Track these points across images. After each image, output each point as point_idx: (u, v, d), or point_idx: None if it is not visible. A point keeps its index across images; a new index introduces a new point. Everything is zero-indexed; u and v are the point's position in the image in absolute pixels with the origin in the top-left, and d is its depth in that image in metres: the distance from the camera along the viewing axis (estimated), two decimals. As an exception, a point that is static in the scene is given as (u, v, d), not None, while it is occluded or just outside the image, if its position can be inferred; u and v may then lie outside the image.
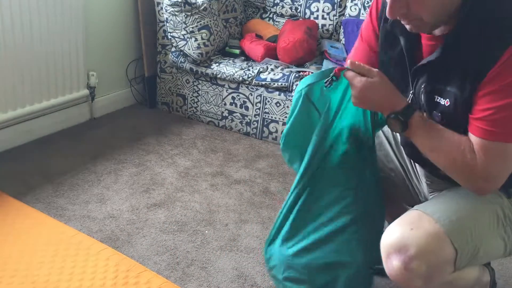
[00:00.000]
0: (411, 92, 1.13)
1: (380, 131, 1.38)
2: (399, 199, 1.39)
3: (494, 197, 1.10)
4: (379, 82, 1.07)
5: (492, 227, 1.07)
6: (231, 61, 2.66)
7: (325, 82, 1.18)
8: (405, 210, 1.14)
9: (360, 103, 1.11)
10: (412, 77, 1.11)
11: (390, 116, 1.06)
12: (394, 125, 1.06)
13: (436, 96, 1.07)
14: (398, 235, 1.01)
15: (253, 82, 2.53)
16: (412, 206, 1.13)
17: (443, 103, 1.05)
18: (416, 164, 1.30)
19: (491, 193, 1.04)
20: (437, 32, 1.05)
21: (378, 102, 1.08)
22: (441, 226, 1.00)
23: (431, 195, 1.26)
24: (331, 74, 1.17)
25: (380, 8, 1.19)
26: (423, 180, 1.29)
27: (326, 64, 2.54)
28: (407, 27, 1.04)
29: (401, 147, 1.33)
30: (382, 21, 1.17)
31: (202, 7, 2.61)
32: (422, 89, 1.09)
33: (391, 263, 1.01)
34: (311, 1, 2.84)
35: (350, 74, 1.10)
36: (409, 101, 1.13)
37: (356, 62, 1.11)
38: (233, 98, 2.64)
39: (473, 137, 1.00)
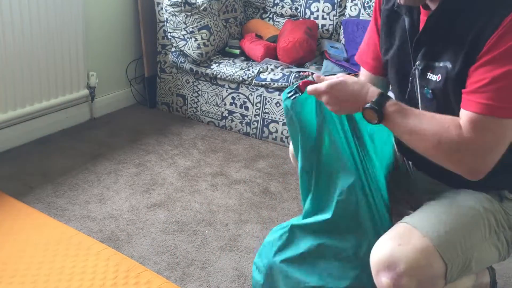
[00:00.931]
0: (412, 70, 1.11)
1: None
2: (397, 202, 1.39)
3: (486, 204, 1.07)
4: (344, 80, 1.06)
5: (484, 236, 1.04)
6: (231, 61, 2.66)
7: (288, 93, 1.19)
8: (402, 212, 1.12)
9: (336, 107, 1.08)
10: (413, 58, 1.10)
11: (364, 108, 1.03)
12: (370, 115, 1.02)
13: (429, 73, 1.05)
14: (386, 251, 0.98)
15: (253, 82, 2.53)
16: (409, 208, 1.12)
17: (434, 79, 1.03)
18: (411, 164, 1.29)
19: (483, 174, 0.96)
20: (431, 5, 1.04)
21: (351, 99, 1.06)
22: (430, 241, 0.97)
23: (424, 196, 1.26)
24: (294, 87, 1.18)
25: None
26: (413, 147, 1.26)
27: (326, 64, 2.54)
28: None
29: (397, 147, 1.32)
30: (383, 9, 1.17)
31: (202, 7, 2.61)
32: (417, 66, 1.07)
33: (381, 280, 0.99)
34: (311, 1, 2.84)
35: (310, 87, 1.10)
36: (409, 87, 1.12)
37: (321, 76, 1.12)
38: (233, 98, 2.64)
39: (463, 113, 0.96)
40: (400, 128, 1.01)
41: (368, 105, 1.02)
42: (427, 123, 0.97)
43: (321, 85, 1.07)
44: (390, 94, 1.23)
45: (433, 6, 1.03)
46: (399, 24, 1.14)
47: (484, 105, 0.92)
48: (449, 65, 1.00)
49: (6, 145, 2.26)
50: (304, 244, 1.26)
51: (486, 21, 0.93)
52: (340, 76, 1.07)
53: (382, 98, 1.02)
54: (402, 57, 1.13)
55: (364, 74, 1.30)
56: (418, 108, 1.09)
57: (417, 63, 1.08)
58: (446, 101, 1.03)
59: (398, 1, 1.04)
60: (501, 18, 0.91)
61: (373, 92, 1.04)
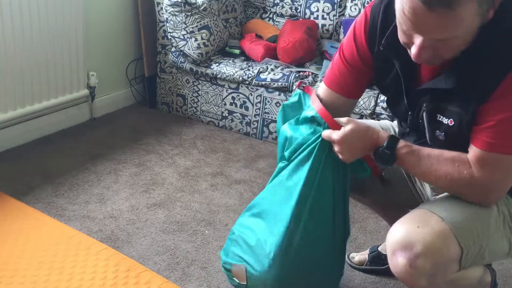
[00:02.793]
0: (409, 113, 1.14)
1: None
2: (403, 204, 1.39)
3: None
4: (354, 127, 1.10)
5: (498, 227, 1.07)
6: (231, 61, 2.66)
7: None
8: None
9: (346, 155, 1.12)
10: (412, 98, 1.11)
11: (376, 152, 1.08)
12: (383, 159, 1.08)
13: (439, 115, 1.07)
14: (404, 232, 1.01)
15: (253, 82, 2.53)
16: None
17: (446, 123, 1.05)
18: None
19: (495, 204, 1.06)
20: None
21: (361, 146, 1.11)
22: (448, 225, 0.99)
23: (434, 197, 1.26)
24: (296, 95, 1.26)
25: (369, 28, 1.14)
26: (426, 183, 1.28)
27: (326, 64, 2.54)
28: (414, 57, 0.97)
29: None
30: (376, 45, 1.14)
31: (202, 7, 2.61)
32: (424, 107, 1.09)
33: (396, 260, 1.00)
34: (311, 1, 2.84)
35: (325, 133, 1.14)
36: (408, 122, 1.16)
37: (327, 114, 1.15)
38: (233, 98, 2.64)
39: (472, 149, 1.01)
40: (414, 169, 1.08)
41: (380, 149, 1.07)
42: (437, 163, 1.04)
43: (337, 134, 1.11)
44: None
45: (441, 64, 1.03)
46: (391, 65, 1.14)
47: (491, 144, 0.98)
48: (461, 111, 1.02)
49: (6, 145, 2.26)
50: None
51: (496, 70, 0.97)
52: (349, 122, 1.11)
53: (393, 140, 1.07)
54: (398, 94, 1.15)
55: (335, 96, 1.25)
56: (425, 138, 1.13)
57: (424, 105, 1.09)
58: (458, 142, 1.06)
59: (412, 56, 0.98)
60: (508, 69, 0.95)
61: (383, 135, 1.08)
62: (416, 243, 0.97)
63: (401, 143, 1.07)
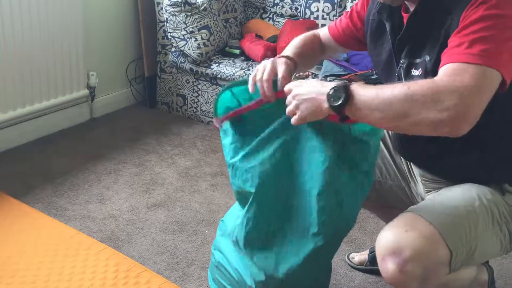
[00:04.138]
0: (397, 74, 1.15)
1: None
2: (397, 204, 1.39)
3: (488, 195, 1.09)
4: (302, 81, 1.08)
5: (487, 226, 1.06)
6: (231, 61, 2.66)
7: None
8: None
9: (302, 106, 1.05)
10: (397, 60, 1.14)
11: (329, 92, 0.99)
12: (335, 96, 0.98)
13: (412, 70, 1.08)
14: (392, 237, 1.00)
15: (253, 82, 2.52)
16: None
17: (416, 74, 1.06)
18: (412, 164, 1.30)
19: (467, 124, 0.89)
20: (411, 7, 1.08)
21: (314, 90, 1.03)
22: (436, 228, 0.99)
23: (427, 195, 1.26)
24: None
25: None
26: (419, 179, 1.29)
27: (326, 64, 2.54)
28: None
29: (396, 150, 1.33)
30: (371, 13, 1.22)
31: (202, 7, 2.61)
32: (401, 64, 1.11)
33: (386, 266, 1.00)
34: (311, 1, 2.84)
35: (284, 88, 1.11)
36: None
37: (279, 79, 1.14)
38: (233, 98, 2.64)
39: (438, 72, 0.95)
40: (367, 102, 0.95)
41: (332, 90, 0.99)
42: (394, 86, 0.94)
43: (288, 86, 1.09)
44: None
45: (412, 8, 1.08)
46: (385, 32, 1.18)
47: (456, 55, 0.92)
48: (427, 58, 1.03)
49: (6, 145, 2.26)
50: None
51: (457, 13, 0.97)
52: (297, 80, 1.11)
53: (345, 83, 1.00)
54: (388, 59, 1.17)
55: (326, 36, 1.41)
56: None
57: (401, 61, 1.11)
58: None
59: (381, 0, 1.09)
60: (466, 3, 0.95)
61: (334, 82, 1.02)
62: (405, 248, 0.97)
63: (354, 83, 1.01)
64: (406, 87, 0.91)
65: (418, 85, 0.91)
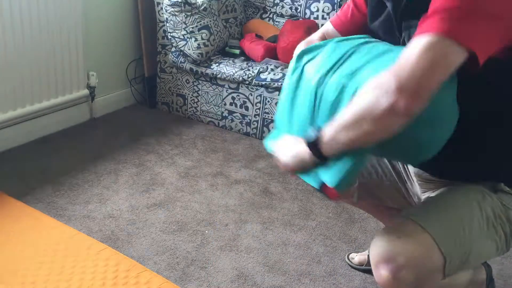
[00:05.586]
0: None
1: None
2: (394, 204, 1.39)
3: (482, 197, 1.08)
4: (280, 142, 1.10)
5: (482, 230, 1.05)
6: (231, 61, 2.66)
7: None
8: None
9: (287, 163, 1.08)
10: (399, 32, 1.09)
11: (308, 141, 1.01)
12: (313, 151, 0.99)
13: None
14: (386, 244, 1.00)
15: (253, 82, 2.53)
16: None
17: None
18: (407, 164, 1.30)
19: (418, 103, 0.85)
20: None
21: (292, 149, 1.06)
22: (429, 234, 0.98)
23: (423, 195, 1.26)
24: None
25: None
26: (415, 179, 1.28)
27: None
28: None
29: None
30: None
31: (202, 7, 2.61)
32: (404, 39, 1.06)
33: (380, 273, 0.99)
34: (311, 1, 2.84)
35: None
36: None
37: None
38: (233, 98, 2.64)
39: None
40: (339, 129, 0.94)
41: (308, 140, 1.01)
42: (355, 102, 0.92)
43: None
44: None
45: None
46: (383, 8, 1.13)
47: (419, 28, 0.87)
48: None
49: (6, 145, 2.26)
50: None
51: None
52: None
53: (312, 132, 1.01)
54: (389, 29, 1.12)
55: (331, 32, 1.31)
56: None
57: (403, 34, 1.07)
58: None
59: None
60: None
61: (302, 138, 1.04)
62: (398, 255, 0.96)
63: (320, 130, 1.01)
64: (368, 87, 0.89)
65: (379, 79, 0.88)
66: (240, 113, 2.65)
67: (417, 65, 0.83)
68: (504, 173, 1.11)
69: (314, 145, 0.99)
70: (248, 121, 2.63)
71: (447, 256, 0.98)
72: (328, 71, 1.05)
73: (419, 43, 0.85)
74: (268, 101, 2.54)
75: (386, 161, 1.35)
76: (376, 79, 0.89)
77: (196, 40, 2.61)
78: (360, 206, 1.56)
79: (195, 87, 2.75)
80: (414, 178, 1.28)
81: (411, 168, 1.29)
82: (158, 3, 2.70)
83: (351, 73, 1.00)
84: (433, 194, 1.16)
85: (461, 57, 0.84)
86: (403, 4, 1.05)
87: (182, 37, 2.63)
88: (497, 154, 1.10)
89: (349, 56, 1.06)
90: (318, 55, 1.13)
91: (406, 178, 1.32)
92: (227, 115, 2.69)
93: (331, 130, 0.96)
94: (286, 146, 1.09)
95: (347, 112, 0.93)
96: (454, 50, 0.83)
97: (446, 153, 1.07)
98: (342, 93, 0.99)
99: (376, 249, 1.01)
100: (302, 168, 1.06)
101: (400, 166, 1.33)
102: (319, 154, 0.99)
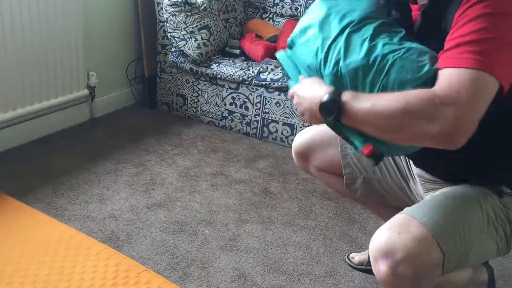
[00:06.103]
0: None
1: None
2: (397, 203, 1.39)
3: (484, 197, 1.09)
4: (303, 83, 1.08)
5: (483, 229, 1.06)
6: (231, 61, 2.66)
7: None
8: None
9: (300, 107, 1.08)
10: None
11: (322, 101, 0.99)
12: (327, 112, 0.98)
13: None
14: (385, 239, 1.00)
15: (253, 82, 2.53)
16: None
17: None
18: (411, 163, 1.30)
19: (464, 136, 0.88)
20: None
21: (306, 99, 1.05)
22: (429, 230, 0.99)
23: (426, 195, 1.26)
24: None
25: None
26: (417, 179, 1.29)
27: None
28: None
29: None
30: None
31: (202, 7, 2.61)
32: None
33: (379, 268, 1.00)
34: (311, 1, 2.84)
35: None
36: None
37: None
38: (233, 98, 2.64)
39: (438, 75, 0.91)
40: (361, 116, 0.94)
41: (323, 103, 1.00)
42: (391, 97, 0.92)
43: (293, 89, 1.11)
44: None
45: (423, 0, 1.04)
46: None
47: (451, 60, 0.89)
48: (435, 53, 0.99)
49: (6, 145, 2.26)
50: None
51: (454, 7, 0.94)
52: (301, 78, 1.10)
53: (337, 94, 0.99)
54: None
55: None
56: None
57: None
58: None
59: None
60: None
61: (328, 87, 1.02)
62: (397, 250, 0.97)
63: (347, 91, 0.99)
64: (404, 100, 0.89)
65: (416, 97, 0.88)
66: (240, 113, 2.65)
67: (473, 103, 0.86)
68: (506, 175, 1.11)
69: (334, 103, 0.97)
70: (248, 121, 2.63)
71: (446, 252, 0.99)
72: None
73: (463, 78, 0.86)
74: (268, 101, 2.54)
75: (390, 159, 1.35)
76: (430, 96, 0.87)
77: (196, 40, 2.61)
78: (363, 203, 1.56)
79: (195, 87, 2.75)
80: (417, 178, 1.28)
81: (414, 168, 1.29)
82: (158, 3, 2.70)
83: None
84: (435, 194, 1.17)
85: (496, 89, 0.88)
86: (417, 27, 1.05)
87: (182, 37, 2.63)
88: (499, 157, 1.10)
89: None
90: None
91: (409, 177, 1.32)
92: (227, 115, 2.69)
93: (359, 116, 0.94)
94: (306, 90, 1.06)
95: (390, 112, 0.90)
96: (494, 84, 0.88)
97: (449, 156, 1.07)
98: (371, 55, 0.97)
99: (376, 244, 1.02)
100: (315, 122, 1.07)
101: (404, 165, 1.33)
102: (334, 116, 0.98)
